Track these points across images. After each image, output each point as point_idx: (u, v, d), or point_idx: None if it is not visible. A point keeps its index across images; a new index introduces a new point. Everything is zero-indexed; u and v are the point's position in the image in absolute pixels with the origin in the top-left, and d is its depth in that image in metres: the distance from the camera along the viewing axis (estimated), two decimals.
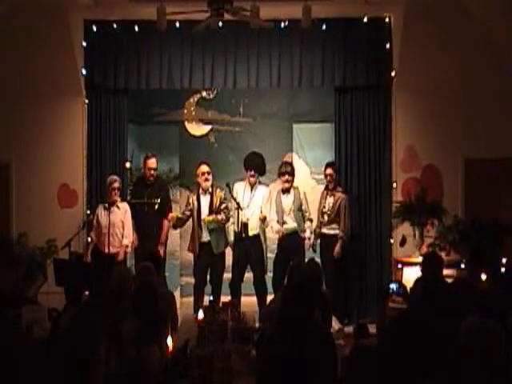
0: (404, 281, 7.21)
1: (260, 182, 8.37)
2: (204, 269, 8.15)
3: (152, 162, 8.27)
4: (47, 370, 3.62)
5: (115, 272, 5.62)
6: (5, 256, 7.97)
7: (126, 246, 8.12)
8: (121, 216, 8.03)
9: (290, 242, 8.16)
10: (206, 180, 8.08)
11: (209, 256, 8.09)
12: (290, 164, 8.47)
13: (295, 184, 8.34)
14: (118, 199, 8.02)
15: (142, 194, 8.25)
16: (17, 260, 8.02)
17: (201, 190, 8.15)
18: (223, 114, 9.86)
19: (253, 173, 8.14)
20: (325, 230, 8.28)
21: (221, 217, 8.06)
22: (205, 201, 8.14)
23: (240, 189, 8.18)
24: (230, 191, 8.08)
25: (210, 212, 8.08)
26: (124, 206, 8.11)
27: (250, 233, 8.03)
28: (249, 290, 8.29)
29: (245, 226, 7.99)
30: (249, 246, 8.06)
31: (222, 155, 9.53)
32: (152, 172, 8.26)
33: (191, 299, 8.34)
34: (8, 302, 5.90)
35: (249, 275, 8.34)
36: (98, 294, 5.64)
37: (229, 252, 8.35)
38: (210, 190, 8.14)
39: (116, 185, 8.00)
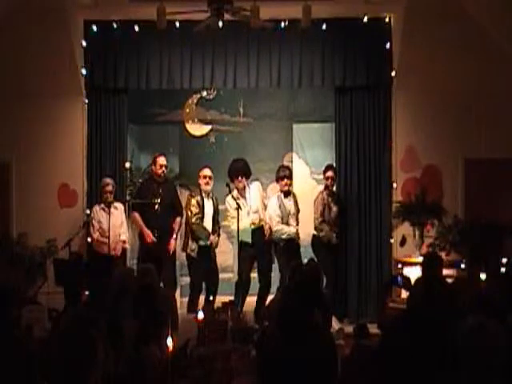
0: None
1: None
2: (203, 273, 8.16)
3: (163, 160, 8.30)
4: (47, 370, 3.62)
5: (117, 272, 5.63)
6: (5, 256, 7.97)
7: (124, 242, 8.16)
8: (116, 215, 8.05)
9: (291, 247, 8.19)
10: (207, 184, 8.15)
11: (207, 260, 8.13)
12: (288, 167, 8.57)
13: (292, 187, 8.46)
14: (112, 201, 8.02)
15: (154, 192, 8.22)
16: (17, 260, 8.02)
17: (203, 194, 8.18)
18: (223, 114, 9.86)
19: (240, 178, 8.13)
20: (322, 233, 8.30)
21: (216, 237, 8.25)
22: (209, 206, 8.21)
23: (232, 202, 8.01)
24: (230, 191, 8.08)
25: (214, 218, 8.22)
26: (120, 206, 8.18)
27: (254, 226, 8.11)
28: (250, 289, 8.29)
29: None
30: (257, 241, 8.10)
31: (222, 155, 9.52)
32: (164, 169, 8.29)
33: None
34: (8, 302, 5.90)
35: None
36: (97, 294, 5.64)
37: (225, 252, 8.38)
38: (212, 195, 8.26)
39: (109, 188, 8.04)
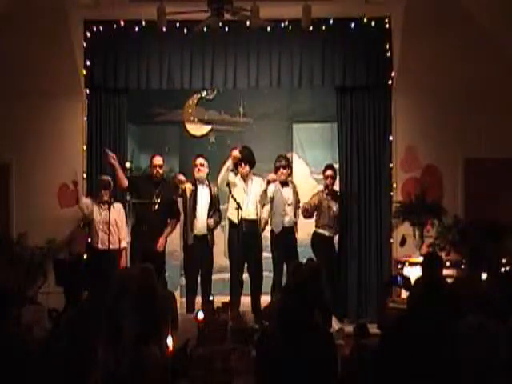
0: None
1: (254, 174, 8.41)
2: (197, 267, 8.22)
3: (157, 160, 8.29)
4: (47, 370, 3.62)
5: (117, 272, 5.62)
6: (5, 256, 7.97)
7: (125, 249, 8.13)
8: (115, 215, 8.03)
9: (287, 239, 8.21)
10: (199, 171, 8.23)
11: (201, 251, 8.17)
12: (285, 157, 8.51)
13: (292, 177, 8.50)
14: (109, 199, 8.02)
15: (150, 193, 8.22)
16: (17, 260, 8.03)
17: (197, 182, 8.26)
18: (223, 114, 9.87)
19: (244, 165, 8.19)
20: (326, 233, 8.31)
21: (212, 220, 8.25)
22: (204, 192, 8.26)
23: (237, 181, 8.19)
24: (231, 191, 8.10)
25: (210, 205, 8.24)
26: (118, 206, 8.14)
27: (248, 217, 8.11)
28: (248, 290, 8.29)
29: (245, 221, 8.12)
30: (246, 235, 8.08)
31: (222, 155, 9.53)
32: (158, 169, 8.25)
33: None
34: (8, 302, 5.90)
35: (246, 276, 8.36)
36: (97, 294, 5.64)
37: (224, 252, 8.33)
38: (207, 182, 8.29)
39: (104, 184, 8.03)
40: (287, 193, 8.32)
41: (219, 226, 8.60)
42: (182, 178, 8.39)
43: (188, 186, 8.26)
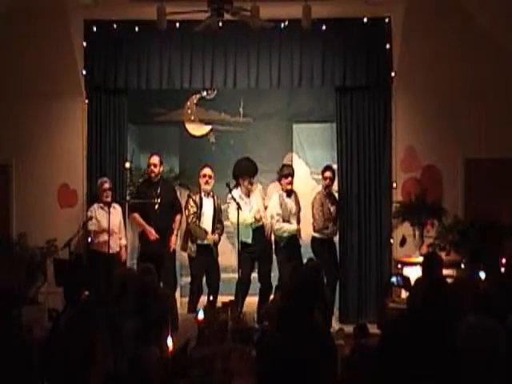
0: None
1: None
2: (203, 272, 8.20)
3: (153, 159, 8.34)
4: (47, 370, 3.62)
5: (117, 272, 5.63)
6: (5, 256, 7.98)
7: (125, 246, 8.25)
8: (119, 217, 8.16)
9: (292, 245, 8.20)
10: (207, 183, 8.19)
11: (207, 259, 8.16)
12: (291, 166, 8.60)
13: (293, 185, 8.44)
14: (109, 200, 8.05)
15: (150, 193, 8.26)
16: (17, 260, 8.03)
17: (203, 193, 8.22)
18: (223, 114, 9.87)
19: (251, 180, 8.20)
20: (325, 235, 8.29)
21: (216, 235, 8.27)
22: (208, 204, 8.24)
23: (238, 197, 8.09)
24: (230, 191, 8.08)
25: (214, 215, 8.21)
26: (118, 207, 8.24)
27: (255, 225, 8.13)
28: (251, 290, 8.30)
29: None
30: (257, 242, 8.10)
31: (222, 155, 9.53)
32: (152, 168, 8.30)
33: None
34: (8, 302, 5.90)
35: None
36: (97, 294, 5.64)
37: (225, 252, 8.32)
38: (212, 194, 8.29)
39: (106, 186, 8.10)
40: (291, 203, 8.31)
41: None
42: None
43: (194, 199, 8.21)
